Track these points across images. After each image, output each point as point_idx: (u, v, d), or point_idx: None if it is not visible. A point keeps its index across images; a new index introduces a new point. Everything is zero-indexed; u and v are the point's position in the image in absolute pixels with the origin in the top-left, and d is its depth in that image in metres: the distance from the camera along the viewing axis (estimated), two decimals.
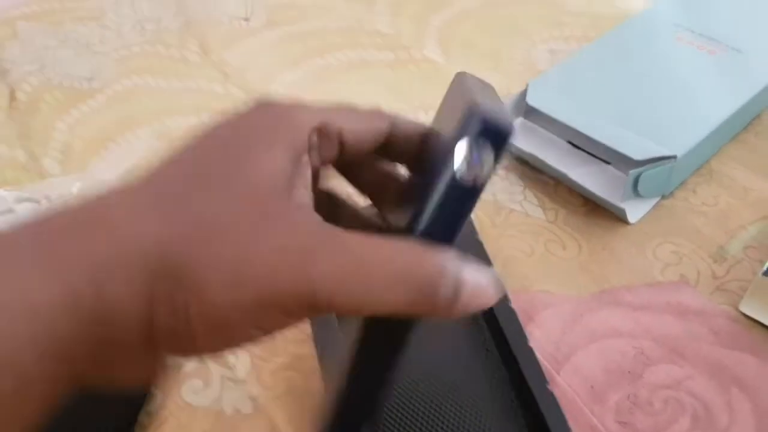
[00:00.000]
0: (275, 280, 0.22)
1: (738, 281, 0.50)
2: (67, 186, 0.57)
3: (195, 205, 0.23)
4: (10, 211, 0.58)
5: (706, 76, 0.62)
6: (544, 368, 0.44)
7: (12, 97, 0.76)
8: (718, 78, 0.62)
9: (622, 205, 0.54)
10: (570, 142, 0.59)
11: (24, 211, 0.58)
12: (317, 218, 0.25)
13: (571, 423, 0.41)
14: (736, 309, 0.49)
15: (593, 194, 0.55)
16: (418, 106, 0.69)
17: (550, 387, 0.42)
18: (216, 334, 0.23)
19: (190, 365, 0.49)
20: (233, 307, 0.22)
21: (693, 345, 0.47)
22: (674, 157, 0.53)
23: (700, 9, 0.70)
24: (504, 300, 0.46)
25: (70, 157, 0.67)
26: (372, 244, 0.23)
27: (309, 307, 0.23)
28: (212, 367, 0.48)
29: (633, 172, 0.53)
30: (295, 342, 0.49)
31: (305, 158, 0.27)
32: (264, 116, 0.27)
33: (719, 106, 0.59)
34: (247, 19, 0.85)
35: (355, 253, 0.23)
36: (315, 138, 0.27)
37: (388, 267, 0.23)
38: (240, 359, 0.48)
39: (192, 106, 0.72)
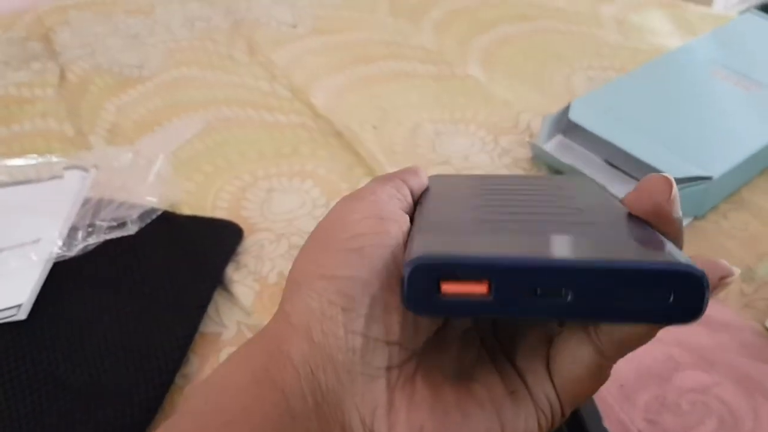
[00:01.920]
0: None
1: (765, 300, 0.52)
2: (119, 156, 0.59)
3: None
4: (60, 176, 0.60)
5: (740, 110, 0.64)
6: None
7: (62, 76, 0.78)
8: (752, 112, 0.64)
9: None
10: (607, 161, 0.61)
11: (72, 177, 0.60)
12: None
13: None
14: (763, 325, 0.50)
15: None
16: (459, 119, 0.71)
17: None
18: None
19: (228, 333, 0.50)
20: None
21: (721, 355, 0.48)
22: (710, 178, 0.55)
23: (736, 47, 0.73)
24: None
25: (117, 136, 0.69)
26: None
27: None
28: (250, 335, 0.49)
29: None
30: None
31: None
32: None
33: (752, 137, 0.61)
34: (294, 26, 0.88)
35: None
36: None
37: None
38: None
39: (237, 100, 0.74)
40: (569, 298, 0.20)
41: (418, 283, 0.21)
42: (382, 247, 0.24)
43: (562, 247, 0.21)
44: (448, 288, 0.21)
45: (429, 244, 0.22)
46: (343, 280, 0.23)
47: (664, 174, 0.25)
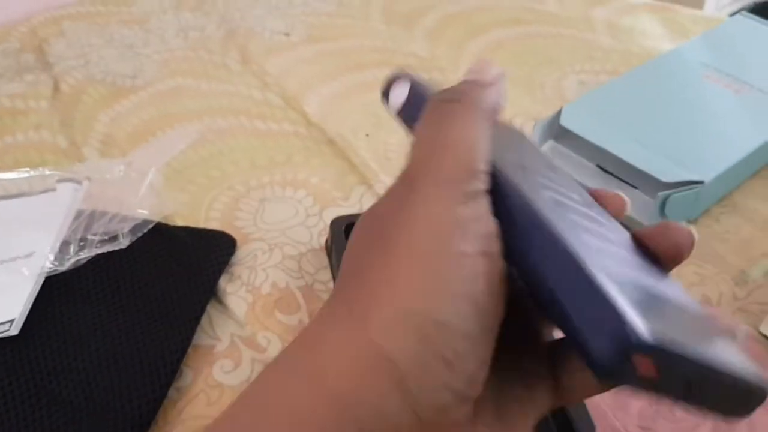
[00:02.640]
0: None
1: (759, 304, 0.52)
2: (111, 168, 0.59)
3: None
4: (52, 189, 0.60)
5: (732, 113, 0.64)
6: None
7: (56, 88, 0.79)
8: (743, 115, 0.64)
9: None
10: (599, 166, 0.61)
11: (65, 190, 0.60)
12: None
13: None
14: (757, 330, 0.50)
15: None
16: None
17: None
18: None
19: (221, 346, 0.50)
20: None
21: None
22: (702, 182, 0.55)
23: (726, 50, 0.73)
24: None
25: (110, 147, 0.69)
26: None
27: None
28: (243, 349, 0.50)
29: (661, 194, 0.55)
30: None
31: None
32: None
33: (744, 140, 0.61)
34: (287, 34, 0.88)
35: None
36: None
37: None
38: (272, 343, 0.50)
39: (231, 109, 0.74)
40: (700, 390, 0.21)
41: (624, 354, 0.20)
42: (493, 299, 0.22)
43: (723, 351, 0.22)
44: (637, 362, 0.20)
45: (642, 319, 0.20)
46: (458, 335, 0.21)
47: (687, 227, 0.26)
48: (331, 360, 0.22)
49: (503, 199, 0.24)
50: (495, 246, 0.23)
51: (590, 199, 0.29)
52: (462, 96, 0.25)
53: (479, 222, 0.23)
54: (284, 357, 0.24)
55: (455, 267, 0.22)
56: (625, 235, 0.27)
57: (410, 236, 0.23)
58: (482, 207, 0.23)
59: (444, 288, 0.22)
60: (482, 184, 0.24)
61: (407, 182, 0.24)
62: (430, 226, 0.23)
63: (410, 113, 0.29)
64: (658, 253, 0.27)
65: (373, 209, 0.26)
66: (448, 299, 0.21)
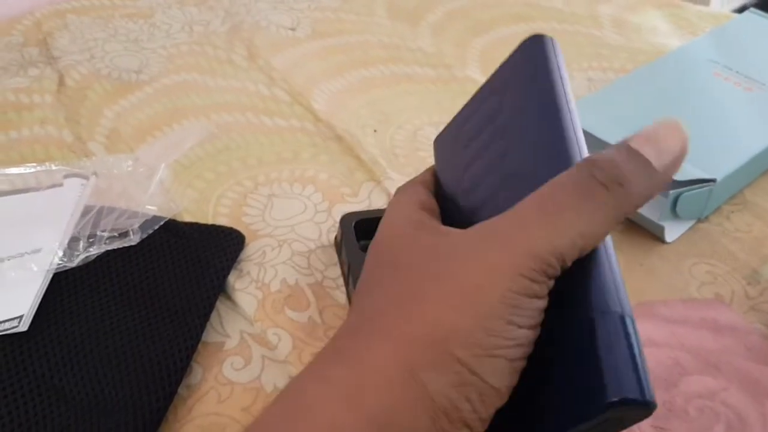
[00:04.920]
0: (493, 285, 0.23)
1: None
2: (119, 163, 0.59)
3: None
4: (59, 185, 0.60)
5: (742, 111, 0.64)
6: None
7: (61, 82, 0.78)
8: (754, 113, 0.64)
9: (662, 224, 0.55)
10: None
11: (72, 185, 0.60)
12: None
13: None
14: None
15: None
16: None
17: None
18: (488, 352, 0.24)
19: (231, 343, 0.49)
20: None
21: (727, 359, 0.48)
22: (713, 180, 0.55)
23: (737, 48, 0.73)
24: None
25: (116, 142, 0.68)
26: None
27: (541, 275, 0.23)
28: (253, 346, 0.49)
29: (673, 192, 0.54)
30: (336, 328, 0.50)
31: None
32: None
33: (755, 137, 0.61)
34: (293, 29, 0.88)
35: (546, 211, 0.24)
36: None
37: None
38: (282, 340, 0.49)
39: (238, 105, 0.74)
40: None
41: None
42: (524, 361, 0.24)
43: None
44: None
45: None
46: (490, 389, 0.23)
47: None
48: (370, 383, 0.23)
49: None
50: (539, 321, 0.24)
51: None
52: (616, 185, 0.24)
53: (539, 302, 0.24)
54: (320, 367, 0.24)
55: (507, 333, 0.23)
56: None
57: (474, 292, 0.23)
58: (546, 289, 0.24)
59: (491, 348, 0.23)
60: (557, 272, 0.24)
61: (492, 231, 0.25)
62: (497, 290, 0.23)
63: None
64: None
65: (414, 232, 0.27)
66: (491, 358, 0.23)
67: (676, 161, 0.25)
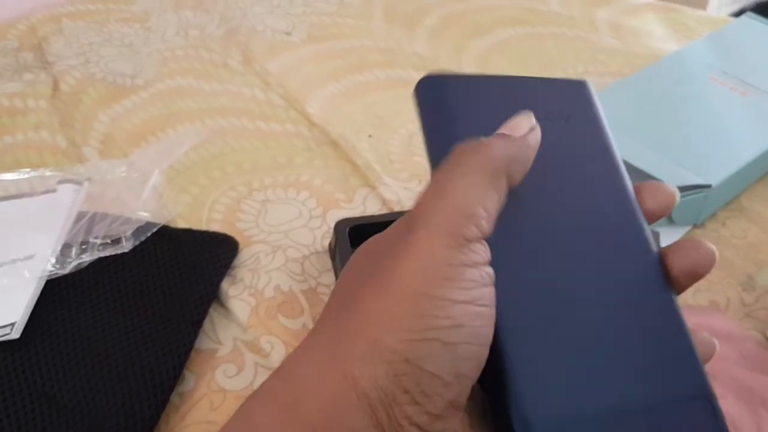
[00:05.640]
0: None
1: (766, 310, 0.51)
2: (112, 169, 0.58)
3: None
4: (53, 190, 0.60)
5: (739, 116, 0.64)
6: None
7: (55, 87, 0.78)
8: (750, 118, 0.64)
9: (657, 229, 0.55)
10: None
11: (66, 191, 0.59)
12: None
13: None
14: (764, 335, 0.50)
15: None
16: None
17: None
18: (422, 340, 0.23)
19: (224, 350, 0.49)
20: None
21: (722, 367, 0.48)
22: (709, 186, 0.55)
23: (734, 53, 0.72)
24: None
25: (110, 147, 0.68)
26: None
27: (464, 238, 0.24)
28: (246, 353, 0.49)
29: None
30: None
31: None
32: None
33: (751, 143, 0.61)
34: (289, 33, 0.87)
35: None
36: None
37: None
38: (275, 347, 0.49)
39: (233, 109, 0.74)
40: None
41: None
42: (474, 348, 0.23)
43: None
44: None
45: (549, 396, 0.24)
46: (428, 377, 0.22)
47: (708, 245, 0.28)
48: (306, 391, 0.22)
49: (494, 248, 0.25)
50: (487, 297, 0.23)
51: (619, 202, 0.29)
52: (480, 146, 0.26)
53: (473, 270, 0.23)
54: (264, 387, 0.24)
55: (439, 312, 0.22)
56: (625, 251, 0.28)
57: (400, 276, 0.23)
58: (478, 256, 0.24)
59: (423, 330, 0.22)
60: (479, 231, 0.24)
61: (409, 222, 0.25)
62: (421, 268, 0.23)
63: (434, 121, 0.29)
64: (673, 273, 0.27)
65: (369, 244, 0.26)
66: (424, 342, 0.22)
67: (527, 133, 0.27)
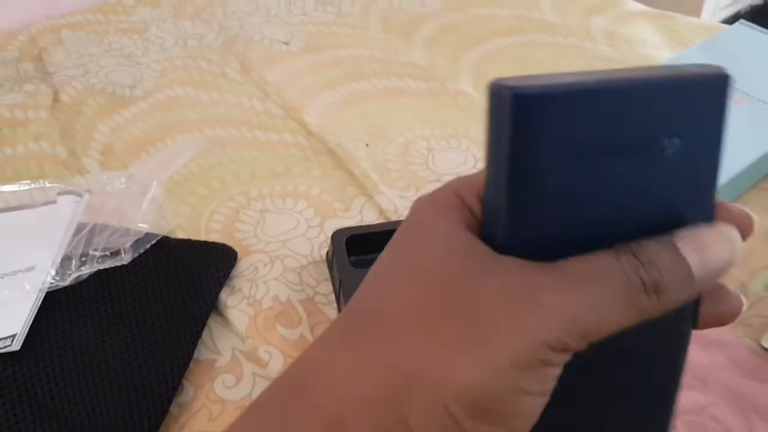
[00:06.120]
0: (513, 344, 0.22)
1: (759, 317, 0.52)
2: (112, 181, 0.59)
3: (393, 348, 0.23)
4: (53, 202, 0.60)
5: (732, 124, 0.64)
6: None
7: (55, 98, 0.79)
8: (744, 126, 0.64)
9: None
10: None
11: (66, 202, 0.60)
12: (498, 262, 0.24)
13: None
14: (758, 343, 0.50)
15: None
16: (452, 135, 0.71)
17: None
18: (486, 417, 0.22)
19: (222, 360, 0.50)
20: (490, 378, 0.22)
21: (715, 373, 0.48)
22: None
23: (727, 61, 0.73)
24: None
25: (110, 158, 0.69)
26: (577, 266, 0.23)
27: (563, 349, 0.22)
28: (245, 363, 0.50)
29: None
30: None
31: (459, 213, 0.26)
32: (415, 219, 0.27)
33: (744, 151, 0.61)
34: (287, 43, 0.88)
35: (572, 283, 0.22)
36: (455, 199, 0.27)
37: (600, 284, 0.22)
38: (273, 357, 0.50)
39: (231, 119, 0.74)
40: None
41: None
42: (519, 421, 0.23)
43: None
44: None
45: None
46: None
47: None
48: (350, 409, 0.22)
49: None
50: (553, 384, 0.23)
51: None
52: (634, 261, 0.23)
53: (554, 369, 0.22)
54: (303, 379, 0.24)
55: (512, 402, 0.22)
56: None
57: (488, 332, 0.22)
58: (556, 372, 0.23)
59: (490, 413, 0.22)
60: (579, 347, 0.22)
61: (522, 295, 0.23)
62: (511, 342, 0.22)
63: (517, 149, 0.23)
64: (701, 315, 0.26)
65: (430, 262, 0.25)
66: (488, 425, 0.22)
67: (719, 273, 0.24)
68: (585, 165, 0.23)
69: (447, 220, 0.25)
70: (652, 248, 0.23)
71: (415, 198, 0.64)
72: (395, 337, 0.23)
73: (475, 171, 0.28)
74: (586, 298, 0.22)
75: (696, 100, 0.23)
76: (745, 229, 0.25)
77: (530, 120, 0.22)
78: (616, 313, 0.22)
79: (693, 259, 0.23)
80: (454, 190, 0.27)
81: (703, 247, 0.23)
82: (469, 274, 0.23)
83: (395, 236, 0.27)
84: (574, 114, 0.22)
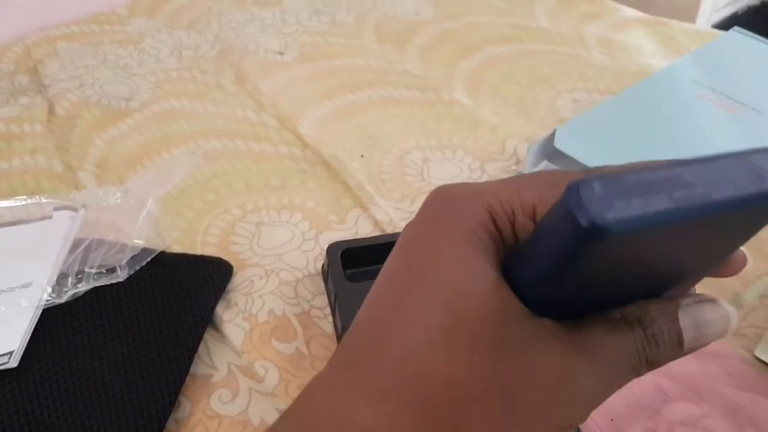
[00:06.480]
0: (546, 426, 0.23)
1: (753, 327, 0.52)
2: (108, 196, 0.59)
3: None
4: (49, 217, 0.60)
5: (726, 133, 0.65)
6: None
7: (51, 111, 0.79)
8: (738, 135, 0.65)
9: None
10: None
11: (61, 218, 0.60)
12: (536, 329, 0.23)
13: None
14: (752, 354, 0.50)
15: None
16: (446, 145, 0.71)
17: None
18: None
19: (218, 375, 0.50)
20: None
21: (709, 384, 0.48)
22: None
23: (721, 69, 0.73)
24: None
25: (106, 171, 0.69)
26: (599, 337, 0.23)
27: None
28: (241, 378, 0.50)
29: None
30: (323, 359, 0.51)
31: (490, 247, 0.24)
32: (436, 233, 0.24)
33: None
34: (281, 53, 0.88)
35: (596, 359, 0.23)
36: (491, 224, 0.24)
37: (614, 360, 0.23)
38: (269, 372, 0.50)
39: (226, 131, 0.75)
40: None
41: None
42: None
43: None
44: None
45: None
46: None
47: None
48: None
49: None
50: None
51: None
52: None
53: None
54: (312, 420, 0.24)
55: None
56: None
57: (535, 414, 0.22)
58: None
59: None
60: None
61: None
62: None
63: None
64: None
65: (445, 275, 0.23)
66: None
67: (706, 345, 0.25)
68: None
69: (477, 257, 0.23)
70: (657, 323, 0.23)
71: (410, 209, 0.63)
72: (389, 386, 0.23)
73: (469, 182, 0.26)
74: (609, 379, 0.23)
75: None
76: (737, 268, 0.26)
77: (598, 250, 0.19)
78: (619, 385, 0.23)
79: (689, 335, 0.24)
80: (486, 204, 0.24)
81: (702, 325, 0.24)
82: (508, 343, 0.22)
83: (408, 249, 0.24)
84: (650, 240, 0.20)
